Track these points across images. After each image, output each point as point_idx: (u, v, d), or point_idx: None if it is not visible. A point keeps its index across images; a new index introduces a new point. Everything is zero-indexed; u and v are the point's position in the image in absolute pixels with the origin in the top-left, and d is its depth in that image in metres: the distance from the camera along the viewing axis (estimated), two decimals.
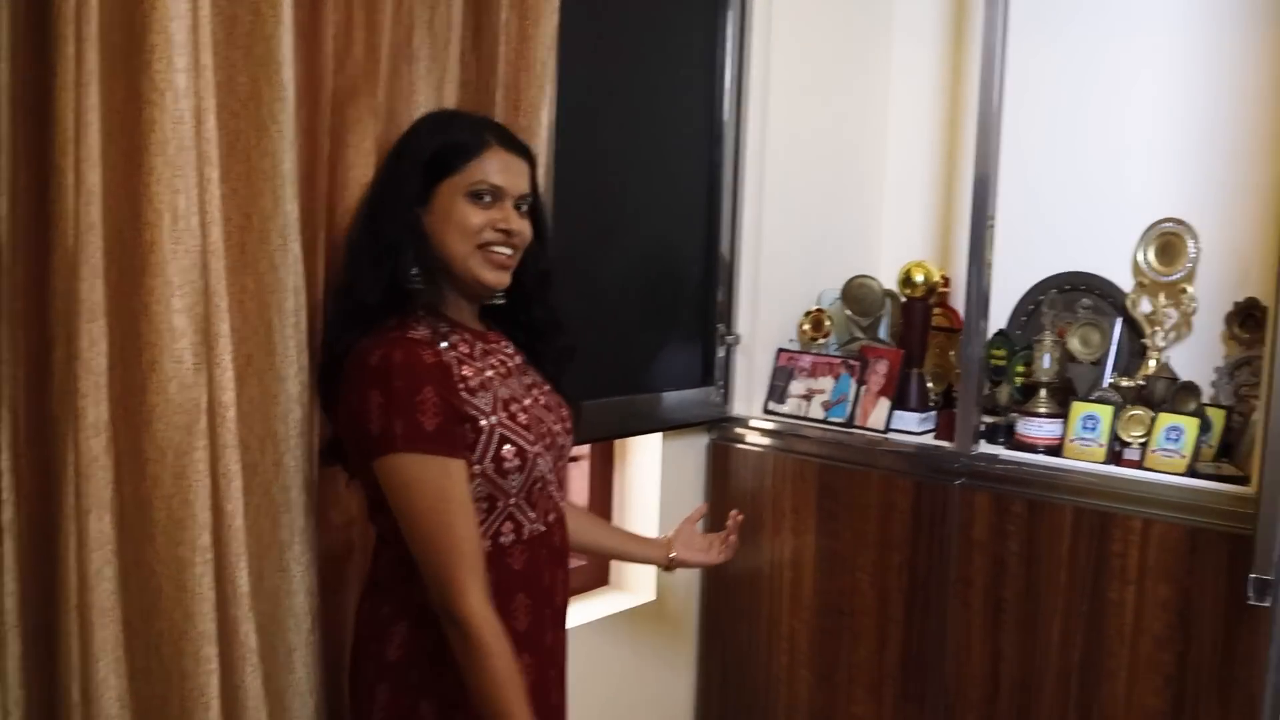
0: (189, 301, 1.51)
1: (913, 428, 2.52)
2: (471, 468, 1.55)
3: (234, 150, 1.60)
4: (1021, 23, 2.45)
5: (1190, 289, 2.46)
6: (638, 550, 2.08)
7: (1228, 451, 2.26)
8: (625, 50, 2.40)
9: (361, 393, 1.51)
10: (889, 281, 2.74)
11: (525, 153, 1.68)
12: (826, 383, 2.64)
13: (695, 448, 2.71)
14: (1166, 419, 2.19)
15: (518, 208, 1.64)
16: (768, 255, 2.69)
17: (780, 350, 2.74)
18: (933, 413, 2.56)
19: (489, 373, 1.63)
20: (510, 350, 1.73)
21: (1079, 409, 2.28)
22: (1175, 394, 2.28)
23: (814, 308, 2.77)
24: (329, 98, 1.74)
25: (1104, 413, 2.25)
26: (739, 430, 2.70)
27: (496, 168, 1.61)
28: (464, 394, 1.56)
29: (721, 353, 2.69)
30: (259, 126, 1.59)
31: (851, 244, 2.97)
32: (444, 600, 1.49)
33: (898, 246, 2.97)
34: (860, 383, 2.59)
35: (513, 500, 1.61)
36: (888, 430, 2.52)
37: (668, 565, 2.05)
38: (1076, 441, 2.27)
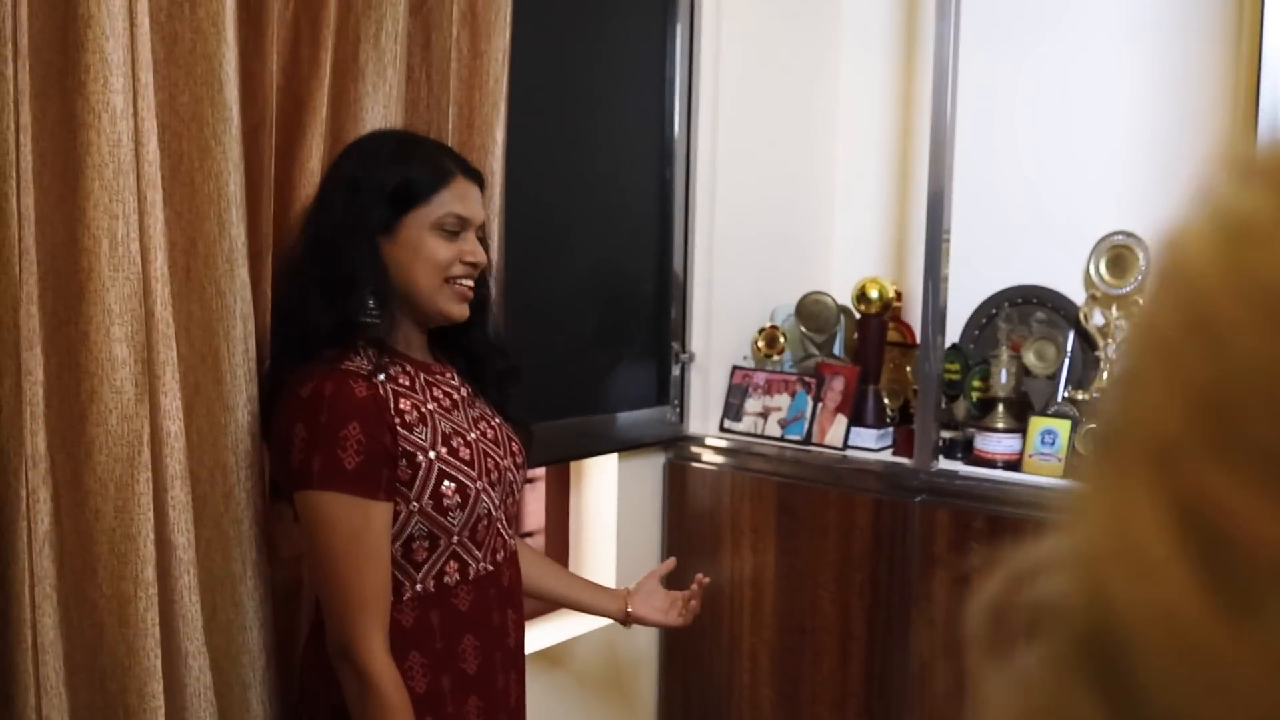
0: (129, 330, 1.45)
1: (870, 444, 2.51)
2: (409, 504, 1.51)
3: (177, 173, 1.55)
4: (972, 36, 2.46)
5: (1142, 301, 2.46)
6: (594, 601, 2.02)
7: None
8: (573, 65, 2.37)
9: (288, 424, 1.48)
10: (842, 297, 2.73)
11: (479, 179, 1.65)
12: (783, 400, 2.62)
13: (652, 468, 2.67)
14: None
15: (477, 236, 1.62)
16: (720, 271, 2.67)
17: (735, 368, 2.72)
18: (890, 429, 2.55)
19: (430, 405, 1.58)
20: (455, 382, 1.68)
21: (1037, 424, 2.28)
22: None
23: (768, 324, 2.75)
24: (273, 117, 1.69)
25: (1062, 427, 2.25)
26: (695, 449, 2.67)
27: (460, 198, 1.58)
28: (400, 429, 1.51)
29: (676, 371, 2.66)
30: (203, 148, 1.54)
31: (803, 259, 2.96)
32: (344, 645, 1.45)
33: (849, 261, 2.96)
34: (817, 400, 2.57)
35: (455, 539, 1.56)
36: (846, 447, 2.51)
37: (624, 620, 2.01)
38: (1035, 456, 2.27)
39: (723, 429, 2.69)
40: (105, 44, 1.41)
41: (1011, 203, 2.71)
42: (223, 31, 1.53)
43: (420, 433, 1.53)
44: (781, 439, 2.59)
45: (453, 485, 1.53)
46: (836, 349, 2.74)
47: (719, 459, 2.64)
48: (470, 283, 1.60)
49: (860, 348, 2.59)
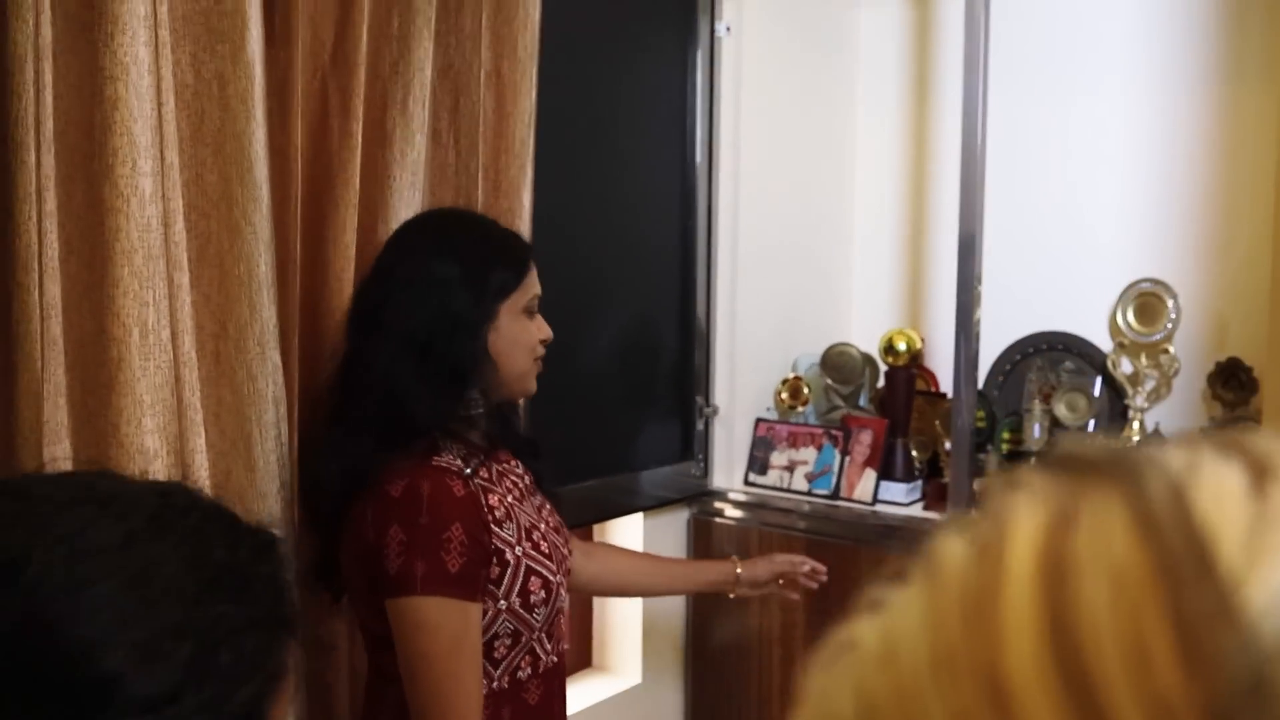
0: (161, 421, 1.40)
1: (900, 499, 2.46)
2: (497, 604, 1.47)
3: (205, 254, 1.50)
4: (994, 81, 2.42)
5: (1171, 349, 2.43)
6: (699, 576, 2.01)
7: None
8: (592, 116, 2.33)
9: (380, 526, 1.42)
10: (864, 345, 2.69)
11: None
12: (809, 453, 2.57)
13: (676, 524, 2.62)
14: None
15: None
16: (743, 321, 2.62)
17: (759, 420, 2.67)
18: (918, 483, 2.50)
19: (510, 498, 1.55)
20: (520, 470, 1.65)
21: None
22: None
23: (790, 375, 2.71)
24: (299, 191, 1.64)
25: None
26: (719, 504, 2.62)
27: (535, 278, 1.58)
28: (493, 526, 1.48)
29: (700, 425, 2.61)
30: (232, 229, 1.49)
31: (824, 308, 2.92)
32: None
33: (869, 310, 2.92)
34: (844, 453, 2.52)
35: (535, 634, 1.53)
36: (875, 502, 2.46)
37: (734, 584, 1.90)
38: None
39: (747, 483, 2.64)
40: (134, 126, 1.35)
41: (1034, 249, 2.67)
42: (252, 110, 1.49)
43: (508, 529, 1.50)
44: (809, 493, 2.54)
45: (539, 581, 1.51)
46: (860, 400, 2.69)
47: (743, 514, 2.59)
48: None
49: (888, 399, 2.54)
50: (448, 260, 1.52)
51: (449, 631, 1.40)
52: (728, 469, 2.65)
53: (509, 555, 1.48)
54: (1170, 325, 2.43)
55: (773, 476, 2.61)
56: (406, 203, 1.74)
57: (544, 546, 1.54)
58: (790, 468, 2.59)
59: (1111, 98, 2.57)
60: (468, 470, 1.49)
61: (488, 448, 1.58)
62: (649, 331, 2.50)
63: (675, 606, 2.60)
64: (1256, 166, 2.39)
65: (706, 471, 2.63)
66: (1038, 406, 2.33)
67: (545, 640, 1.56)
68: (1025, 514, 0.34)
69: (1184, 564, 0.31)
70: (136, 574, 0.73)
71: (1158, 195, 2.52)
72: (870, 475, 2.48)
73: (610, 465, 2.40)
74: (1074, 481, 0.35)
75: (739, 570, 1.89)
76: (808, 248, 2.85)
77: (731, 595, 1.94)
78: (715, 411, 2.62)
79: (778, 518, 2.54)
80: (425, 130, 1.76)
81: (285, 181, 1.62)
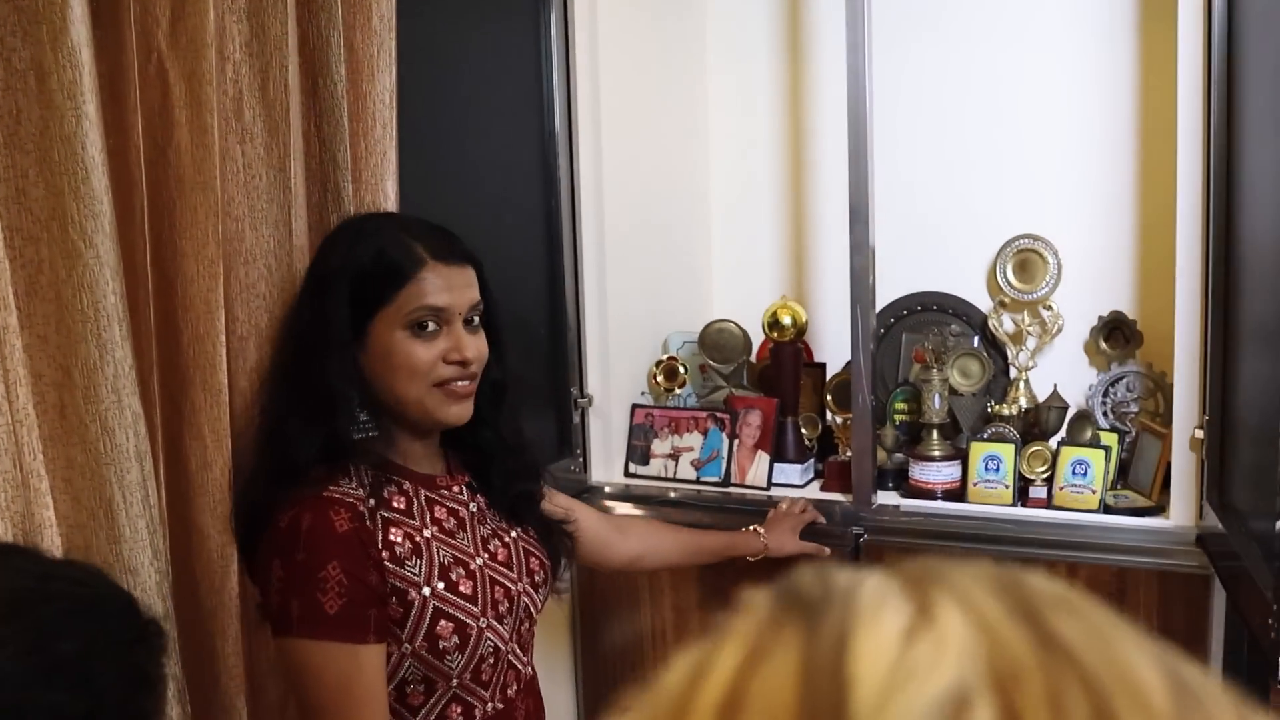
0: (4, 498, 1.12)
1: (795, 480, 2.34)
2: (401, 647, 1.32)
3: (36, 287, 1.22)
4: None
5: (1054, 305, 2.39)
6: (731, 547, 2.05)
7: (1122, 473, 2.20)
8: (442, 90, 2.08)
9: (265, 560, 1.31)
10: (743, 321, 2.55)
11: (468, 258, 1.41)
12: (694, 439, 2.42)
13: None
14: (1070, 453, 2.11)
15: (469, 322, 1.39)
16: (613, 302, 2.42)
17: (635, 406, 2.50)
18: (812, 462, 2.39)
19: (429, 531, 1.37)
20: (464, 496, 1.47)
21: (979, 450, 2.16)
22: (1071, 423, 2.20)
23: (664, 356, 2.55)
24: (144, 201, 1.36)
25: (1006, 452, 2.14)
26: (602, 501, 2.44)
27: (435, 287, 1.34)
28: (389, 564, 1.31)
29: (576, 417, 2.42)
30: (69, 253, 1.21)
31: (692, 285, 2.77)
32: None
33: (738, 284, 2.78)
34: (732, 436, 2.38)
35: (456, 682, 1.36)
36: (770, 486, 2.33)
37: (761, 553, 2.05)
38: (981, 484, 2.15)
39: (628, 474, 2.47)
40: None
41: (903, 209, 2.58)
42: (82, 106, 1.20)
43: (413, 566, 1.33)
44: (698, 481, 2.40)
45: (450, 625, 1.35)
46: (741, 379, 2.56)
47: (627, 508, 2.42)
48: (466, 381, 1.39)
49: (775, 376, 2.41)
50: (322, 269, 1.38)
51: (334, 675, 1.27)
52: (606, 461, 2.47)
53: (413, 595, 1.33)
54: (1051, 281, 2.39)
55: (656, 466, 2.45)
56: (279, 205, 1.48)
57: (465, 587, 1.37)
58: (674, 455, 2.44)
59: (986, 50, 2.49)
60: (371, 501, 1.34)
61: (421, 474, 1.42)
62: (516, 320, 2.28)
63: (558, 615, 2.42)
64: (1132, 121, 2.36)
65: (586, 467, 2.45)
66: (935, 376, 2.24)
67: (477, 688, 1.39)
68: (732, 646, 0.39)
69: (822, 710, 0.35)
70: None
71: (1033, 152, 2.47)
72: (763, 458, 2.35)
73: None
74: (781, 617, 0.39)
75: (765, 542, 2.05)
76: (672, 220, 2.68)
77: (753, 559, 2.06)
78: (590, 401, 2.43)
79: (665, 510, 2.38)
80: (290, 118, 1.49)
81: (127, 191, 1.35)
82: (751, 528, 2.06)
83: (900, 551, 2.13)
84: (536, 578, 1.50)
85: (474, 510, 1.47)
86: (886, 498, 2.22)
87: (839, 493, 2.27)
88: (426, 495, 1.42)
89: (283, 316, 1.43)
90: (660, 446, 2.45)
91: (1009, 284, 2.44)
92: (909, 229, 2.54)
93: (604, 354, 2.43)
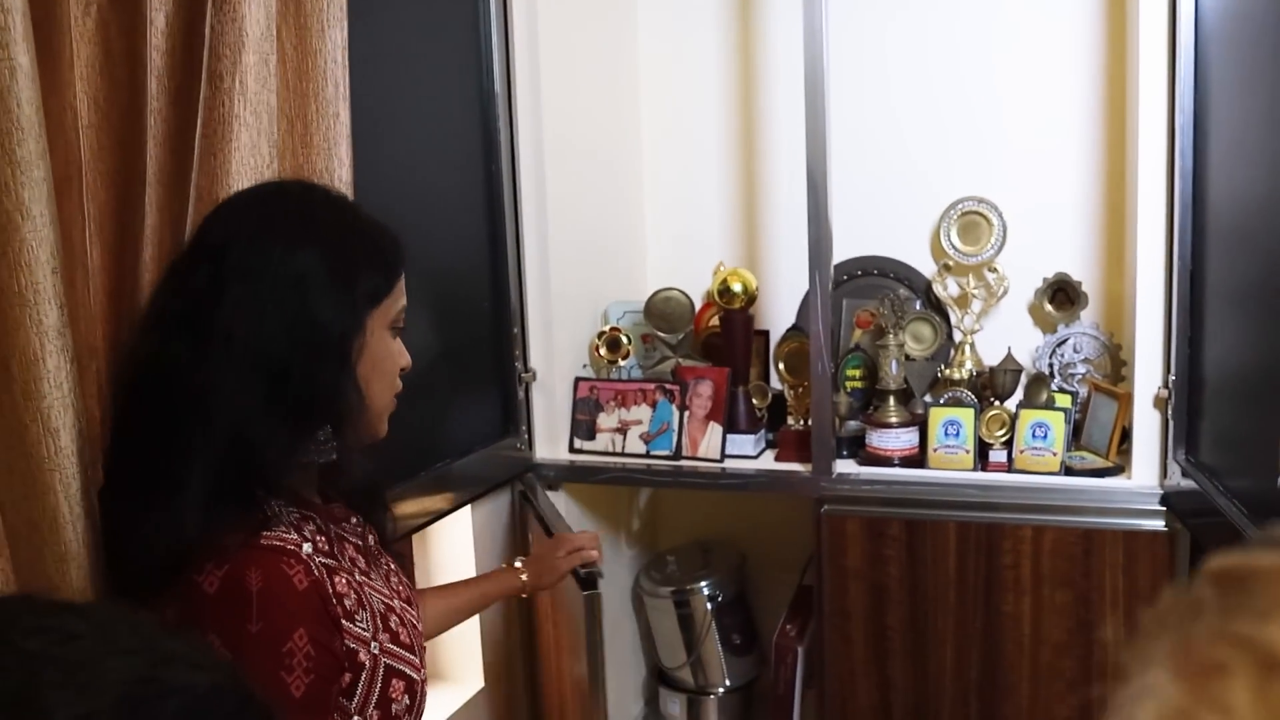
0: None
1: (748, 451, 2.29)
2: None
3: None
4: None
5: (999, 268, 2.37)
6: (489, 595, 1.76)
7: (1075, 434, 2.20)
8: (389, 72, 1.94)
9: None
10: (688, 289, 2.47)
11: None
12: (642, 412, 2.34)
13: (503, 509, 2.32)
14: (1030, 415, 2.09)
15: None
16: (556, 270, 2.32)
17: (578, 379, 2.41)
18: (763, 433, 2.34)
19: (357, 574, 1.18)
20: (360, 527, 1.28)
21: (938, 414, 2.14)
22: (1029, 385, 2.19)
23: (605, 327, 2.46)
24: (83, 168, 1.21)
25: (966, 416, 2.12)
26: (545, 479, 2.34)
27: (403, 286, 1.22)
28: (344, 622, 1.11)
29: (521, 393, 2.31)
30: (2, 225, 1.06)
31: (631, 253, 2.68)
32: None
33: (679, 252, 2.71)
34: (683, 408, 2.31)
35: None
36: (724, 458, 2.27)
37: (522, 591, 1.76)
38: (941, 450, 2.13)
39: (574, 450, 2.38)
40: None
41: (847, 173, 2.53)
42: (15, 59, 1.05)
43: (361, 620, 1.14)
44: (648, 455, 2.32)
45: (401, 684, 1.18)
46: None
47: (576, 486, 2.34)
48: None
49: (726, 345, 2.34)
50: (308, 250, 1.12)
51: None
52: (551, 439, 2.38)
53: (363, 656, 1.13)
54: (996, 244, 2.37)
55: (602, 441, 2.37)
56: (208, 174, 1.34)
57: (403, 635, 1.21)
58: (622, 429, 2.36)
59: (932, 10, 2.45)
60: (306, 547, 1.10)
61: (322, 506, 1.22)
62: (457, 293, 2.16)
63: (510, 606, 2.32)
64: (1081, 83, 2.35)
65: (531, 444, 2.35)
66: (892, 341, 2.20)
67: None
68: None
69: None
70: None
71: (978, 114, 2.44)
72: (715, 429, 2.28)
73: (424, 458, 2.04)
74: None
75: (524, 578, 1.73)
76: (609, 186, 2.59)
77: (524, 595, 1.80)
78: (534, 376, 2.33)
79: (616, 489, 2.31)
80: (234, 78, 1.35)
81: (65, 156, 1.20)
82: (510, 565, 1.77)
83: (865, 521, 2.10)
84: (419, 612, 1.33)
85: (372, 542, 1.29)
86: (844, 466, 2.18)
87: (795, 462, 2.22)
88: (335, 531, 1.20)
89: (241, 294, 1.09)
90: (606, 420, 2.37)
91: (954, 247, 2.41)
92: (850, 193, 2.49)
93: (547, 326, 2.33)
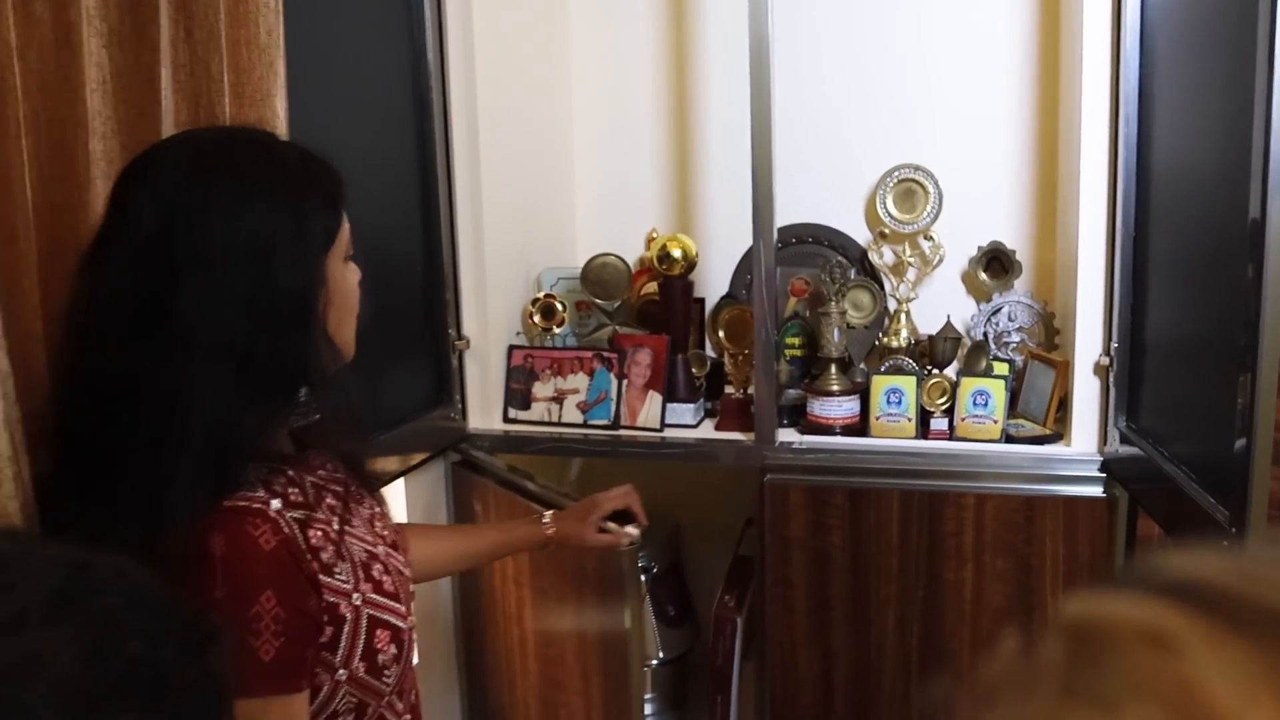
0: None
1: (688, 420, 2.26)
2: (335, 675, 1.10)
3: None
4: None
5: (935, 236, 2.37)
6: (512, 541, 1.70)
7: (1013, 403, 2.21)
8: (319, 28, 1.84)
9: None
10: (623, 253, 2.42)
11: None
12: (579, 380, 2.29)
13: (437, 480, 2.26)
14: (971, 384, 2.10)
15: None
16: (490, 234, 2.25)
17: (512, 347, 2.34)
18: (702, 402, 2.31)
19: (335, 523, 1.13)
20: (339, 473, 1.23)
21: (880, 382, 2.13)
22: (968, 354, 2.19)
23: (539, 294, 2.40)
24: (17, 110, 1.12)
25: (908, 384, 2.12)
26: (480, 451, 2.28)
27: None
28: (321, 577, 1.08)
29: (455, 362, 2.24)
30: None
31: (562, 219, 2.62)
32: None
33: (612, 217, 2.65)
34: (621, 377, 2.27)
35: (385, 700, 1.16)
36: (664, 428, 2.24)
37: (547, 544, 1.69)
38: (883, 418, 2.12)
39: (508, 420, 2.32)
40: None
41: (777, 139, 2.51)
42: None
43: (341, 572, 1.11)
44: (585, 424, 2.27)
45: (387, 634, 1.15)
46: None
47: (510, 457, 2.28)
48: None
49: (665, 313, 2.30)
50: (254, 215, 1.04)
51: None
52: (484, 408, 2.31)
53: (344, 609, 1.10)
54: (932, 212, 2.37)
55: (538, 410, 2.31)
56: (150, 119, 1.25)
57: (387, 583, 1.18)
58: (558, 399, 2.30)
59: None
60: (275, 503, 1.06)
61: (296, 455, 1.17)
62: (388, 258, 2.09)
63: (444, 595, 2.26)
64: (1019, 49, 2.35)
65: (465, 414, 2.28)
66: (834, 309, 2.18)
67: (396, 702, 1.20)
68: (1254, 714, 0.28)
69: None
70: (17, 665, 0.56)
71: (913, 80, 2.43)
72: (655, 398, 2.24)
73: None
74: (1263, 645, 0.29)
75: (550, 533, 1.67)
76: (541, 148, 2.52)
77: (550, 546, 1.71)
78: (467, 344, 2.27)
79: (551, 460, 2.26)
80: (162, 19, 1.27)
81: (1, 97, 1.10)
82: (538, 515, 1.72)
83: (809, 490, 2.08)
84: (406, 555, 1.30)
85: (353, 489, 1.24)
86: (786, 435, 2.16)
87: (736, 431, 2.20)
88: (310, 481, 1.16)
89: (191, 279, 1.02)
90: (542, 389, 2.31)
91: (889, 215, 2.41)
92: (786, 159, 2.46)
93: (480, 292, 2.26)
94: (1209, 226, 1.57)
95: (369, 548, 1.18)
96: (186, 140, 1.15)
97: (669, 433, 2.23)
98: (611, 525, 1.69)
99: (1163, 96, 1.78)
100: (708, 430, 2.25)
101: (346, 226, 1.15)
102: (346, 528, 1.15)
